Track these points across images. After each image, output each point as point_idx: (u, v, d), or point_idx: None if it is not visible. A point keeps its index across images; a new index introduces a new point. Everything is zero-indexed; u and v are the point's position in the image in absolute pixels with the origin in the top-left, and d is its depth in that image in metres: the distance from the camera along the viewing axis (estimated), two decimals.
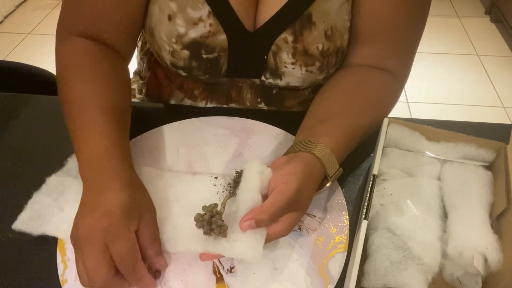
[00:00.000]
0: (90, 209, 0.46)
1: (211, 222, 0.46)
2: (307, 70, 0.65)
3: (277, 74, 0.67)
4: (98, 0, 0.60)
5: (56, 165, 0.60)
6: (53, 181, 0.58)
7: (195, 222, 0.47)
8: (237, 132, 0.67)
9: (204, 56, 0.64)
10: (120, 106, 0.57)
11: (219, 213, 0.47)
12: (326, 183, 0.53)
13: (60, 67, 0.60)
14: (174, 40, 0.62)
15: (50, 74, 0.98)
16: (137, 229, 0.47)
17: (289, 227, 0.48)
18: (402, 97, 2.12)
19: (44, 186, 0.57)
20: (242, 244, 0.46)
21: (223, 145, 0.65)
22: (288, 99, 0.75)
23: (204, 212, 0.47)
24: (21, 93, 0.76)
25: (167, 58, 0.65)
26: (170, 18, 0.61)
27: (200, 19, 0.61)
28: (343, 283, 0.49)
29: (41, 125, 0.69)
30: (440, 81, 2.24)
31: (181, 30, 0.61)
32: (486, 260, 0.48)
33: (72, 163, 0.60)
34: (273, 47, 0.64)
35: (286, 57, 0.64)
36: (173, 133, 0.66)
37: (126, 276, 0.45)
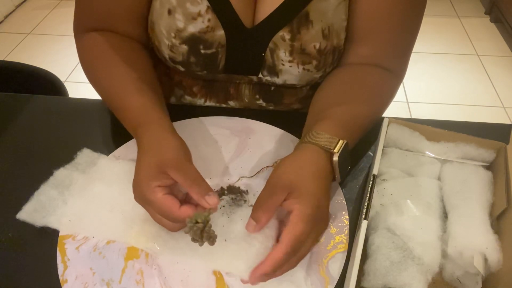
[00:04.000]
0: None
1: (204, 231, 0.46)
2: (304, 68, 0.65)
3: (274, 71, 0.67)
4: (106, 1, 0.63)
5: (54, 165, 0.60)
6: (60, 174, 0.59)
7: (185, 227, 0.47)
8: (237, 132, 0.67)
9: (202, 51, 0.64)
10: (153, 84, 0.62)
11: (209, 223, 0.47)
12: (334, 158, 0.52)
13: (86, 58, 0.65)
14: (173, 34, 0.63)
15: (50, 74, 0.98)
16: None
17: (314, 240, 0.49)
18: (402, 97, 2.12)
19: (51, 178, 0.58)
20: (242, 265, 0.48)
21: (223, 145, 0.65)
22: (286, 96, 0.75)
23: (195, 220, 0.46)
24: (21, 93, 0.76)
25: (166, 52, 0.66)
26: (170, 12, 0.62)
27: (199, 14, 0.61)
28: (343, 283, 0.49)
29: (40, 126, 0.69)
30: (440, 81, 2.24)
31: (180, 24, 0.62)
32: (486, 260, 0.48)
33: (81, 157, 0.61)
34: (271, 45, 0.64)
35: (283, 55, 0.64)
36: None
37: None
